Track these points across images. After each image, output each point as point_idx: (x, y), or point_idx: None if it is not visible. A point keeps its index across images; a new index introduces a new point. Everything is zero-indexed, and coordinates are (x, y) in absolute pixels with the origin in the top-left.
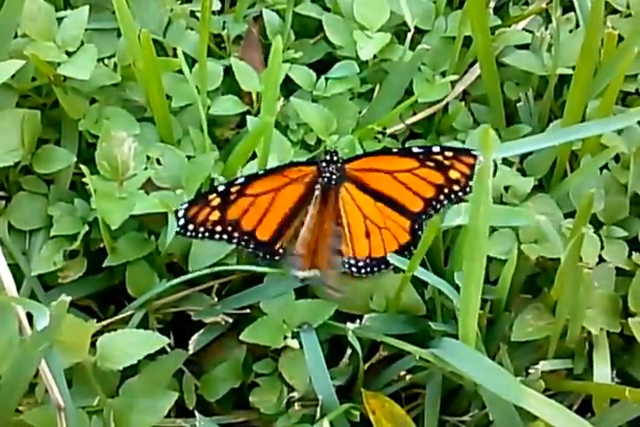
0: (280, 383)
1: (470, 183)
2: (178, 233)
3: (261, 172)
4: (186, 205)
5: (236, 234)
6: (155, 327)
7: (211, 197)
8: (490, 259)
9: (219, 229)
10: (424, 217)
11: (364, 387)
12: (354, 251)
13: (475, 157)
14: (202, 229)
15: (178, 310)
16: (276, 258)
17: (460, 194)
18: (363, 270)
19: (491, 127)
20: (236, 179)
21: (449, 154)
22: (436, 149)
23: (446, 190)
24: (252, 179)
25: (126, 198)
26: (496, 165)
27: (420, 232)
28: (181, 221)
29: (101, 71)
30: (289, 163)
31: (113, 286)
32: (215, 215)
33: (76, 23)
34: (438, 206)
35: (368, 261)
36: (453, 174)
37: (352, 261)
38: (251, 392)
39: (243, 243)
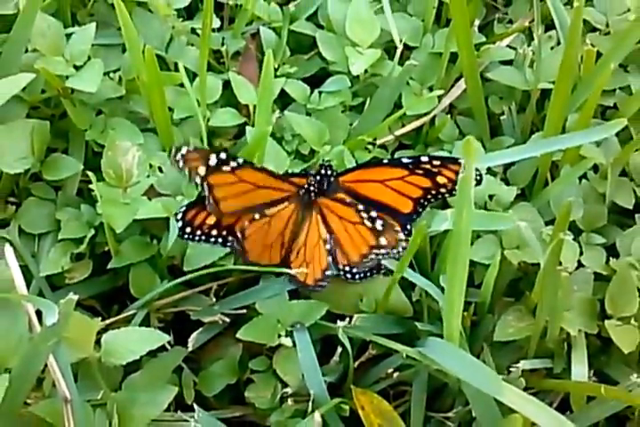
0: (274, 380)
1: (456, 187)
2: (187, 239)
3: (259, 167)
4: (184, 208)
5: (230, 238)
6: (156, 326)
7: (212, 159)
8: (474, 264)
9: (214, 233)
10: (414, 217)
11: (353, 384)
12: (348, 258)
13: (461, 164)
14: (199, 233)
15: (178, 309)
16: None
17: (447, 195)
18: (357, 276)
19: (475, 139)
20: (236, 158)
21: (436, 163)
22: (424, 158)
23: (433, 192)
24: (248, 166)
25: (130, 204)
26: (481, 175)
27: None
28: (179, 224)
29: (107, 84)
30: (283, 174)
31: (116, 287)
32: (212, 219)
33: (83, 39)
34: (426, 204)
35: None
36: (441, 180)
37: (347, 268)
38: (246, 388)
39: (237, 247)
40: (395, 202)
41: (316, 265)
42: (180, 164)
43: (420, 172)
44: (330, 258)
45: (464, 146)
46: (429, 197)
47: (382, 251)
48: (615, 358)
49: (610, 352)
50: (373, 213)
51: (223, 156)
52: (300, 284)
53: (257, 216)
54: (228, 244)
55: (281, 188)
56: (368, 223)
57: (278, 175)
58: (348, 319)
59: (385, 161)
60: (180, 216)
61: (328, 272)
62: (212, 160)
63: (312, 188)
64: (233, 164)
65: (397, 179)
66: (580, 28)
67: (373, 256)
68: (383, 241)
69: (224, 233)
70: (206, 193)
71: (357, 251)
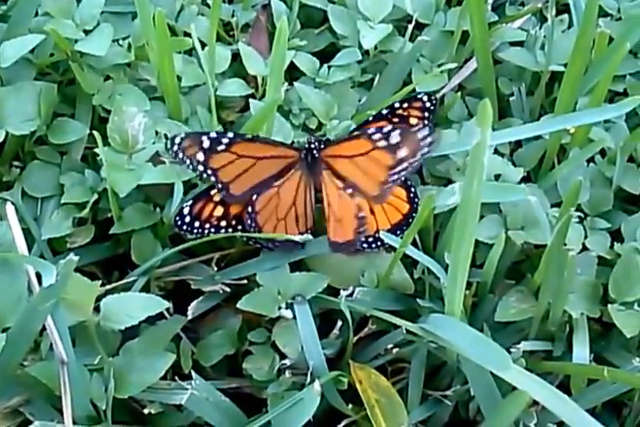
0: (272, 352)
1: (427, 122)
2: (185, 231)
3: (252, 137)
4: (190, 202)
5: (240, 227)
6: (156, 294)
7: (213, 191)
8: (477, 244)
9: (224, 223)
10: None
11: (352, 359)
12: (369, 196)
13: (421, 99)
14: (207, 226)
15: (179, 278)
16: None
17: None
18: (374, 245)
19: None
20: (225, 133)
21: (404, 105)
22: (396, 104)
23: None
24: (240, 139)
25: (135, 170)
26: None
27: (417, 200)
28: (187, 219)
29: (116, 50)
30: (281, 142)
31: (118, 254)
32: (219, 211)
33: (93, 3)
34: None
35: (377, 235)
36: (412, 121)
37: (363, 238)
38: (244, 360)
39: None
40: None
41: (345, 222)
42: (180, 155)
43: (396, 120)
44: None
45: (479, 110)
46: None
47: (405, 164)
48: (615, 343)
49: (610, 337)
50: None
51: (213, 134)
52: (332, 244)
53: (268, 191)
54: (238, 232)
55: (281, 154)
56: (383, 143)
57: (273, 141)
58: (349, 291)
59: (369, 118)
60: (186, 211)
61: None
62: (206, 142)
63: (313, 146)
64: (224, 140)
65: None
66: (597, 9)
67: (396, 177)
68: (403, 153)
69: (233, 223)
70: (213, 179)
71: (376, 181)
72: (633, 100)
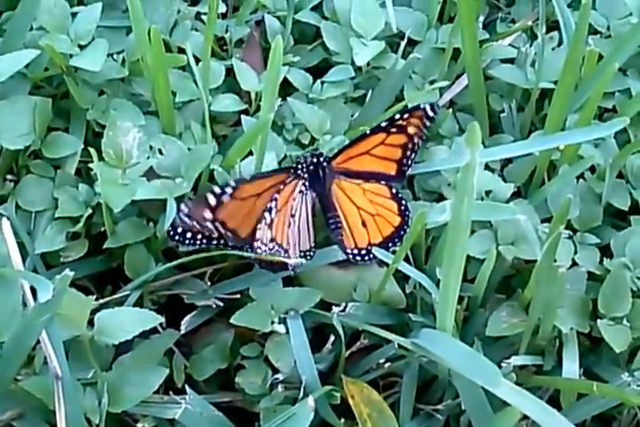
0: (265, 366)
1: (425, 131)
2: (177, 241)
3: (250, 178)
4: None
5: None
6: (149, 308)
7: (209, 200)
8: (468, 258)
9: (216, 235)
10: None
11: (344, 374)
12: (355, 241)
13: (423, 109)
14: (200, 237)
15: (172, 292)
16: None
17: (420, 143)
18: (366, 257)
19: None
20: (228, 184)
21: (405, 116)
22: (396, 116)
23: (410, 146)
24: (241, 184)
25: (128, 185)
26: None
27: (408, 213)
28: (179, 230)
29: (110, 65)
30: (273, 169)
31: (111, 268)
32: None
33: (88, 18)
34: (409, 162)
35: (369, 247)
36: (411, 130)
37: (355, 251)
38: (237, 374)
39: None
40: (382, 167)
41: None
42: (187, 221)
43: (394, 130)
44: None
45: (467, 131)
46: (408, 153)
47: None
48: (605, 358)
49: (599, 352)
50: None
51: (217, 190)
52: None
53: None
54: (231, 244)
55: (278, 181)
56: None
57: (269, 173)
58: (342, 307)
59: (367, 132)
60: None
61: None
62: (212, 200)
63: (306, 175)
64: (228, 190)
65: (379, 144)
66: (587, 27)
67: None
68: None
69: (228, 234)
70: (222, 231)
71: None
72: (621, 121)
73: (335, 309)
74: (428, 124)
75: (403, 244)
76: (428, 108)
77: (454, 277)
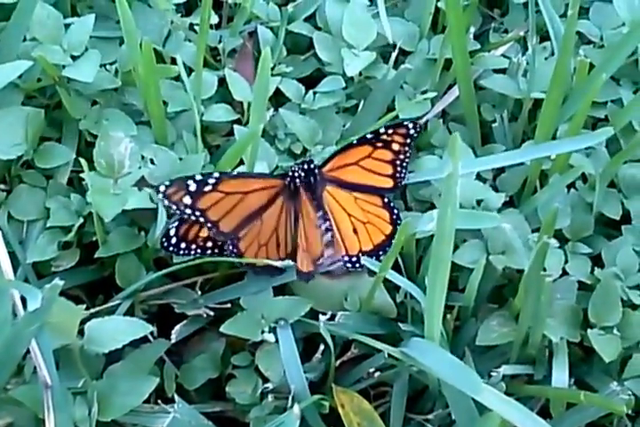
0: (255, 376)
1: (408, 149)
2: (171, 252)
3: (236, 174)
4: (176, 224)
5: (230, 247)
6: (140, 318)
7: (191, 185)
8: (460, 268)
9: (210, 244)
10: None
11: (334, 383)
12: (346, 248)
13: (406, 126)
14: (194, 246)
15: (163, 302)
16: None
17: (406, 162)
18: (357, 264)
19: (467, 145)
20: (211, 175)
21: (389, 131)
22: (381, 129)
23: (398, 162)
24: (225, 177)
25: (120, 194)
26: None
27: (399, 221)
28: (173, 240)
29: (103, 76)
30: (265, 174)
31: (103, 277)
32: (205, 231)
33: (81, 29)
34: (402, 175)
35: (360, 254)
36: (395, 147)
37: (346, 258)
38: (227, 383)
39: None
40: (377, 182)
41: (311, 253)
42: (165, 202)
43: (380, 144)
44: (325, 247)
45: (449, 143)
46: (399, 168)
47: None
48: (596, 368)
49: (591, 361)
50: (326, 225)
51: (198, 177)
52: (297, 272)
53: (257, 223)
54: (225, 252)
55: (267, 186)
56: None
57: (259, 175)
58: (329, 316)
59: (354, 142)
60: (173, 232)
61: (320, 261)
62: (192, 186)
63: (298, 182)
64: (211, 180)
65: (367, 157)
66: (574, 37)
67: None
68: (328, 252)
69: (220, 243)
70: (202, 220)
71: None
72: (606, 131)
73: (322, 318)
74: (409, 141)
75: (389, 253)
76: (410, 125)
77: (440, 286)
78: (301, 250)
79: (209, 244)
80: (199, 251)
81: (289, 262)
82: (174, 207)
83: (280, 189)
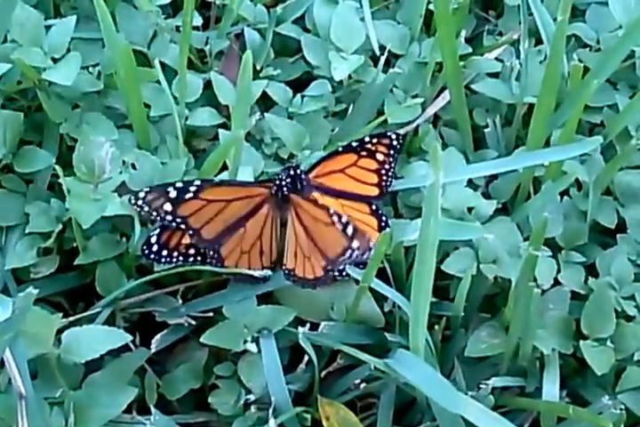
0: (239, 386)
1: (392, 160)
2: (153, 260)
3: (218, 182)
4: (157, 231)
5: (211, 253)
6: (121, 326)
7: (171, 192)
8: (450, 277)
9: (192, 251)
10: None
11: (320, 394)
12: (326, 257)
13: (389, 137)
14: (176, 254)
15: (144, 310)
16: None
17: (391, 172)
18: (343, 273)
19: (459, 151)
20: (192, 182)
21: (374, 140)
22: (366, 138)
23: (383, 171)
24: (207, 185)
25: (100, 200)
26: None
27: (388, 229)
28: (154, 248)
29: (85, 78)
30: (249, 182)
31: (84, 284)
32: (187, 238)
33: (63, 31)
34: (388, 185)
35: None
36: (379, 157)
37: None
38: (210, 394)
39: (216, 262)
40: (362, 190)
41: (315, 261)
42: (145, 208)
43: (365, 153)
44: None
45: (430, 153)
46: (384, 177)
47: (355, 253)
48: (590, 380)
49: (585, 373)
50: (344, 218)
51: (179, 184)
52: (298, 279)
53: (241, 230)
54: (208, 260)
55: (251, 194)
56: (339, 227)
57: (242, 183)
58: (308, 326)
59: (339, 149)
60: (154, 239)
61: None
62: (172, 193)
63: (285, 189)
64: (192, 188)
65: (352, 165)
66: (564, 42)
67: (347, 257)
68: (355, 244)
69: (202, 251)
70: (183, 226)
71: (333, 251)
72: (596, 139)
73: (300, 329)
74: (392, 152)
75: (371, 262)
76: (393, 136)
77: (424, 296)
78: (303, 257)
79: (191, 251)
80: (181, 258)
81: (267, 272)
82: (154, 214)
83: (264, 196)
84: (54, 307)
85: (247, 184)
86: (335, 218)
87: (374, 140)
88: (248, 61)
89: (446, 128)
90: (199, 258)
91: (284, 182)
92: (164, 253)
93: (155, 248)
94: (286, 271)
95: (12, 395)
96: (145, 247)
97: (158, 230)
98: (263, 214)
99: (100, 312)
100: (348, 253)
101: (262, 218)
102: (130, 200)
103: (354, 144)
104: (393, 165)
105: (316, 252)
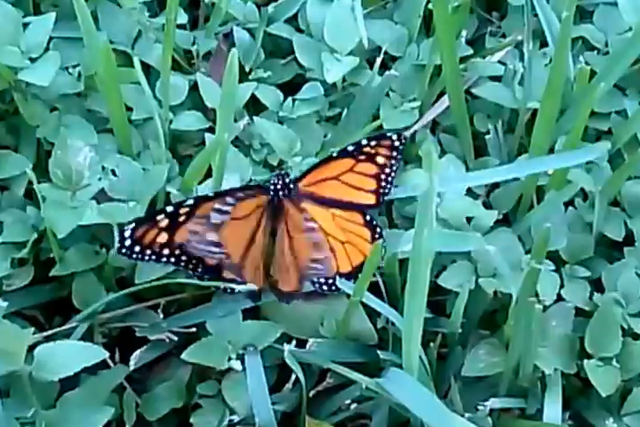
0: (223, 406)
1: (394, 162)
2: (123, 254)
3: (211, 194)
4: (132, 225)
5: (184, 257)
6: (100, 342)
7: (159, 217)
8: (448, 291)
9: (166, 252)
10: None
11: (309, 415)
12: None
13: (390, 138)
14: (149, 252)
15: (123, 325)
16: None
17: (391, 177)
18: (333, 287)
19: (458, 158)
20: (186, 200)
21: (373, 143)
22: (363, 141)
23: (383, 176)
24: (200, 201)
25: (77, 208)
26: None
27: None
28: (127, 242)
29: (64, 79)
30: (239, 187)
31: (61, 297)
32: (163, 238)
33: (41, 29)
34: (387, 192)
35: (337, 277)
36: (380, 160)
37: (322, 280)
38: (192, 414)
39: (191, 266)
40: (359, 198)
41: (292, 273)
42: (137, 248)
43: (363, 157)
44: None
45: (425, 157)
46: (383, 183)
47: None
48: (595, 401)
49: (589, 394)
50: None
51: (169, 208)
52: (279, 292)
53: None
54: (182, 264)
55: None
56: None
57: (233, 192)
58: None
59: (334, 154)
60: (128, 233)
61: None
62: (163, 221)
63: (275, 199)
64: (185, 209)
65: (348, 171)
66: (569, 41)
67: (314, 271)
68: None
69: (177, 252)
70: (184, 259)
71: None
72: (603, 145)
73: (287, 346)
74: (395, 154)
75: (362, 276)
76: (394, 137)
77: (417, 311)
78: (283, 268)
79: (165, 251)
80: (154, 257)
81: (251, 286)
82: (148, 252)
83: (255, 208)
84: (29, 321)
85: (240, 191)
86: (308, 225)
87: (373, 143)
88: (234, 61)
89: (445, 134)
90: (172, 260)
91: (272, 191)
92: (137, 248)
93: (127, 242)
94: (270, 284)
95: None
96: (118, 240)
97: (133, 224)
98: (258, 225)
99: (77, 327)
100: (312, 266)
101: (254, 228)
102: (116, 249)
103: (350, 148)
104: (394, 168)
105: (294, 263)
